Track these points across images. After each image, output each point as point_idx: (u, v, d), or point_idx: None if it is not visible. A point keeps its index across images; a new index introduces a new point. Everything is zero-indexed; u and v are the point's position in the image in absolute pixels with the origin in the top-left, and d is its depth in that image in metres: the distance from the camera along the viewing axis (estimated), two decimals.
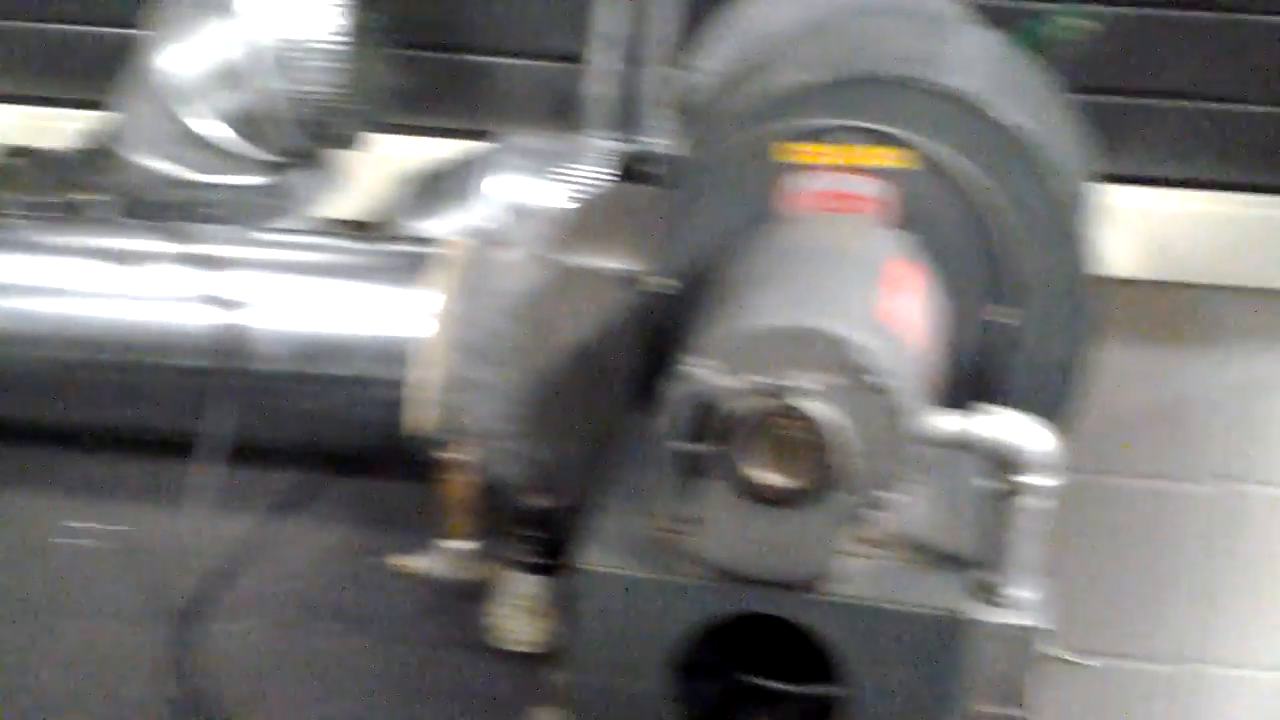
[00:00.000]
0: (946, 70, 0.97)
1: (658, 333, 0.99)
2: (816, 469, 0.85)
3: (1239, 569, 1.79)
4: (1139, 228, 1.56)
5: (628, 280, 1.00)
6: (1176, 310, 1.65)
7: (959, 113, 0.94)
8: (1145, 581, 1.58)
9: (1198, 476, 1.74)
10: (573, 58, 1.49)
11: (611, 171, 1.23)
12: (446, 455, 1.02)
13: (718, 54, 1.09)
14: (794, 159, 0.95)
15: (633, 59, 1.44)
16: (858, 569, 0.91)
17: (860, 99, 0.95)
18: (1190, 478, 1.74)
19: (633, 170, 1.20)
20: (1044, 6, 1.14)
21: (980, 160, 0.94)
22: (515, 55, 1.54)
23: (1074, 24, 1.04)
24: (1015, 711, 0.93)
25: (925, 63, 0.97)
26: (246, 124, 1.25)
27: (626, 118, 1.40)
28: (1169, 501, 1.70)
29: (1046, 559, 1.15)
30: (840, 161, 0.95)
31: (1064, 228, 0.96)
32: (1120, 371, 1.69)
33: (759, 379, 0.84)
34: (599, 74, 1.43)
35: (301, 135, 1.27)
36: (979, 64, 1.02)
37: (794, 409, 0.84)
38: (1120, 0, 1.48)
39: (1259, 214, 1.53)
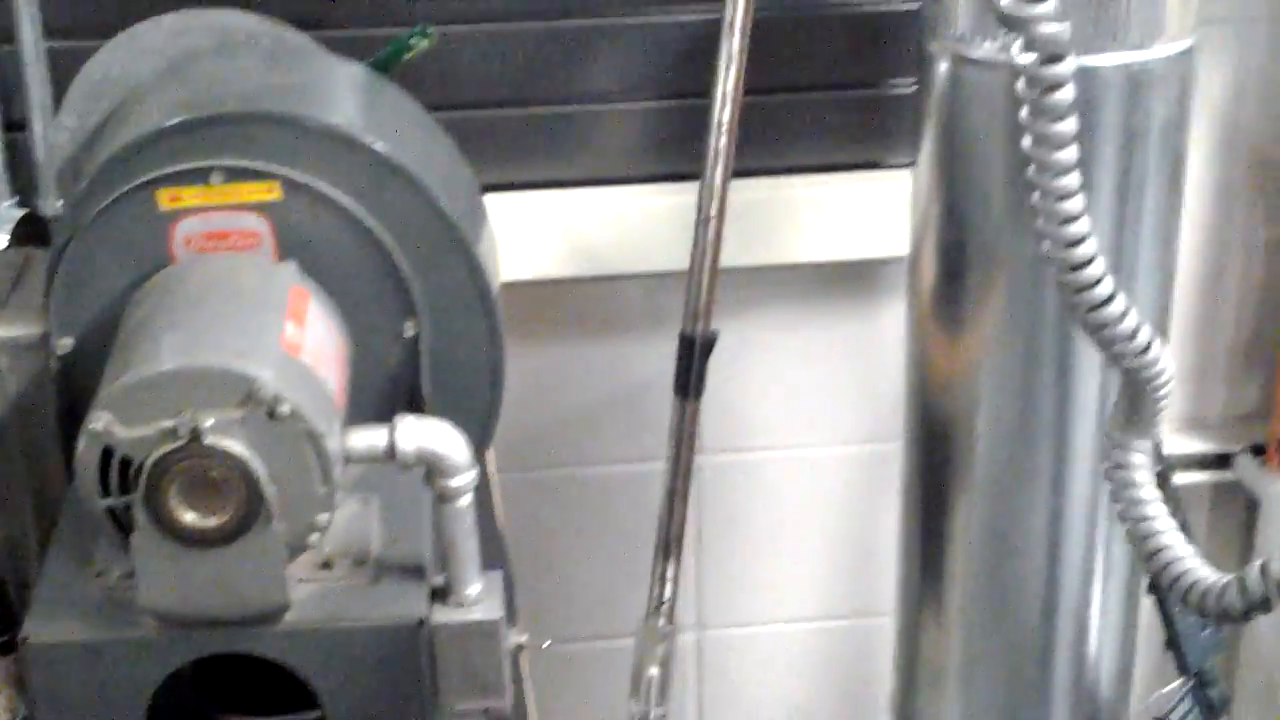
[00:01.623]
0: (311, 102, 1.01)
1: (73, 396, 0.98)
2: (237, 504, 0.87)
3: (723, 535, 1.90)
4: (562, 229, 1.64)
5: (30, 346, 0.99)
6: (603, 302, 1.75)
7: (327, 142, 0.98)
8: (639, 560, 1.65)
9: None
10: None
11: (6, 238, 1.22)
12: None
13: (77, 108, 1.09)
14: (173, 204, 0.96)
15: (14, 122, 1.43)
16: (312, 593, 0.93)
17: (228, 137, 0.97)
18: (662, 456, 1.83)
19: (26, 234, 1.19)
20: (391, 32, 1.20)
21: (355, 186, 0.98)
22: None
23: (418, 43, 1.11)
24: (497, 702, 0.97)
25: (289, 96, 1.01)
26: None
27: (17, 182, 1.39)
28: (648, 481, 1.79)
29: (501, 552, 1.20)
30: (220, 201, 0.96)
31: (455, 241, 1.01)
32: (576, 366, 1.78)
33: (163, 423, 0.85)
34: None
35: None
36: (343, 93, 1.06)
37: (202, 448, 0.85)
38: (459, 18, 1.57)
39: (666, 202, 1.64)
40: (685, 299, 1.48)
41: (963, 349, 1.38)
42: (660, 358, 1.52)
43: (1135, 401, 0.65)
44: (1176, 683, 1.77)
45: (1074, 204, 0.71)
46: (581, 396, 1.79)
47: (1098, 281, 0.60)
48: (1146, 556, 0.66)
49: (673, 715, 1.61)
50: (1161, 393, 0.64)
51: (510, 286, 1.12)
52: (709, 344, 1.48)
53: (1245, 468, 1.88)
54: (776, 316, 1.79)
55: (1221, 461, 1.90)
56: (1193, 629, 1.76)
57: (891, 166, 1.67)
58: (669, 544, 1.53)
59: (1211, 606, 0.66)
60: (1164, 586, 0.68)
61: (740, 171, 1.55)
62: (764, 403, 1.84)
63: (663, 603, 1.52)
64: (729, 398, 1.82)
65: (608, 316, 1.75)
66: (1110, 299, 0.60)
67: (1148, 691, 1.81)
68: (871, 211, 1.67)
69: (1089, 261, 0.59)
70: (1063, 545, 1.39)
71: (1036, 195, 0.71)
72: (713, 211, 1.45)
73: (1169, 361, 0.63)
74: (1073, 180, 0.71)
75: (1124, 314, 0.60)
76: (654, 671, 1.51)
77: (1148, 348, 0.62)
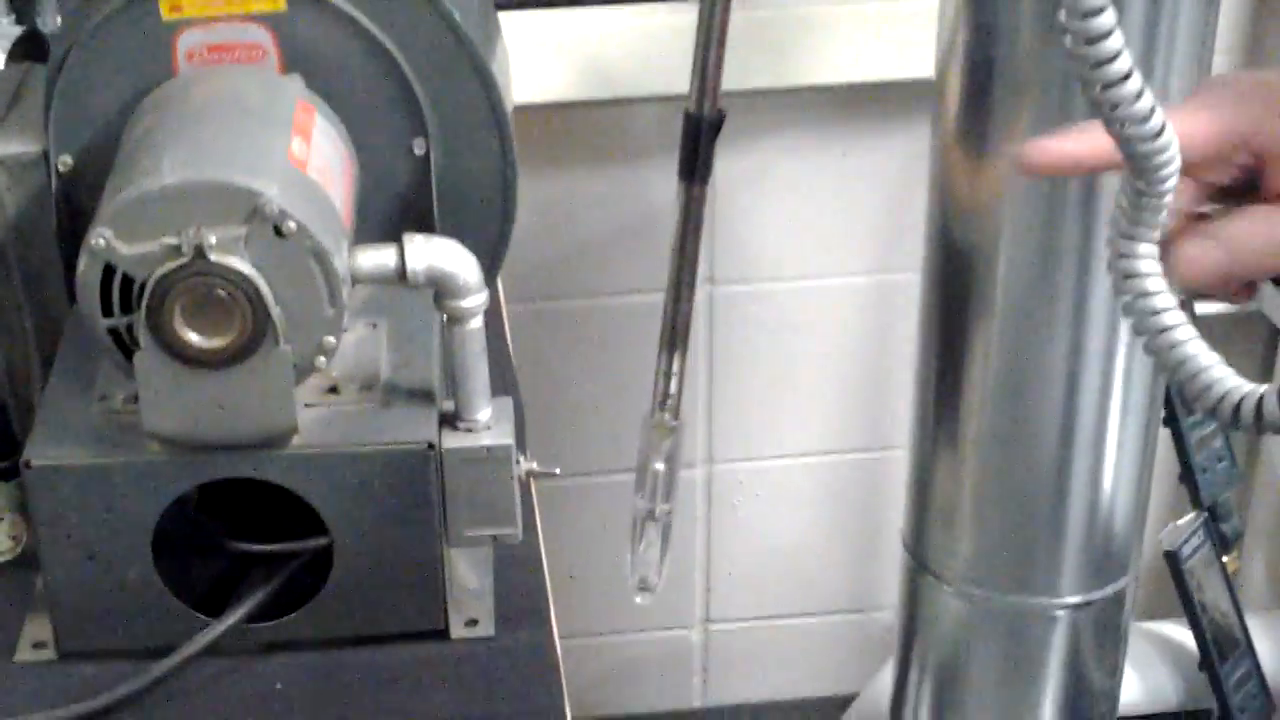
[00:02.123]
0: None
1: (73, 214, 0.96)
2: (242, 324, 0.84)
3: (735, 367, 1.88)
4: (574, 48, 1.60)
5: (29, 164, 0.96)
6: (616, 126, 1.71)
7: None
8: (649, 391, 1.64)
9: None
10: None
11: (4, 56, 1.19)
12: None
13: None
14: (175, 13, 0.93)
15: None
16: (319, 417, 0.92)
17: None
18: None
19: (25, 51, 1.16)
20: None
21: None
22: None
23: None
24: (508, 529, 0.95)
25: None
26: None
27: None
28: (660, 312, 1.78)
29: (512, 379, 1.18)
30: (223, 9, 0.93)
31: (468, 55, 0.98)
32: (586, 194, 1.75)
33: (166, 240, 0.82)
34: None
35: None
36: None
37: (206, 265, 0.82)
38: None
39: (685, 20, 1.59)
40: (690, 75, 1.38)
41: (987, 174, 1.35)
42: (674, 185, 1.49)
43: (1140, 193, 0.62)
44: (1190, 516, 1.77)
45: None
46: (592, 225, 1.76)
47: (1115, 56, 0.56)
48: (1156, 354, 0.63)
49: (680, 552, 1.61)
50: (1168, 183, 0.62)
51: (518, 109, 1.08)
52: (716, 124, 1.40)
53: (1269, 296, 1.85)
54: (790, 142, 1.75)
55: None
56: (1208, 462, 1.76)
57: None
58: (674, 337, 1.44)
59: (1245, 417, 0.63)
60: (1187, 394, 0.64)
61: None
62: (776, 233, 1.81)
63: (668, 397, 1.45)
64: (740, 228, 1.79)
65: (620, 142, 1.71)
66: (1126, 76, 0.57)
67: (1160, 525, 1.80)
68: (894, 30, 1.62)
69: (1106, 34, 0.55)
70: (1081, 377, 1.37)
71: None
72: None
73: (1177, 148, 0.60)
74: None
75: (1139, 94, 0.57)
76: (659, 466, 1.46)
77: (1160, 131, 0.59)
